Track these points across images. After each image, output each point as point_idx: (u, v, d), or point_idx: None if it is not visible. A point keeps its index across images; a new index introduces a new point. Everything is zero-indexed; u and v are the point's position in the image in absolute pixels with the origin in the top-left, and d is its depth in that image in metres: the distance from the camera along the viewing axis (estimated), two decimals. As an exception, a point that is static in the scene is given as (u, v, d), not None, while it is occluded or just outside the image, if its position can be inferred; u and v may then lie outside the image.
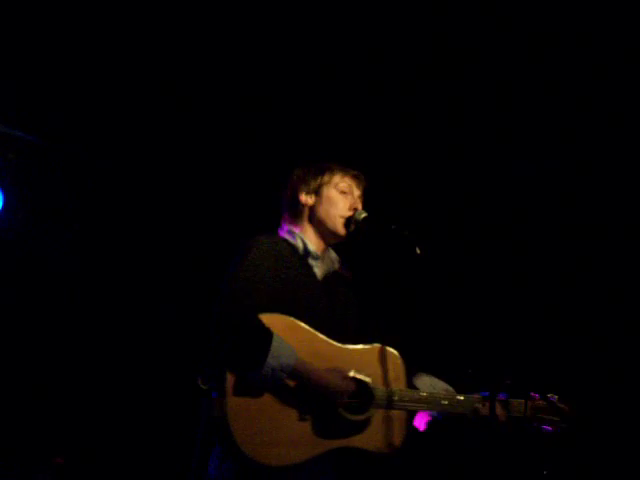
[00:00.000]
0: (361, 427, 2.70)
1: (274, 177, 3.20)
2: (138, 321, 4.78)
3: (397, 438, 2.76)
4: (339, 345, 2.77)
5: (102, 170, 4.71)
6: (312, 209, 2.97)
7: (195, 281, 4.64)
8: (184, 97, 4.57)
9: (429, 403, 2.84)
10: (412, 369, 2.91)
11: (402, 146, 4.75)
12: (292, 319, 2.70)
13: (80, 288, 4.78)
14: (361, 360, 2.78)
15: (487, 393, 2.86)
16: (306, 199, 2.98)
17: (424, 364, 2.97)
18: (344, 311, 2.96)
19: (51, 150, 4.53)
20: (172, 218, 4.80)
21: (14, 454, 4.40)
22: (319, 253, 2.95)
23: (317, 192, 2.97)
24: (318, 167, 3.02)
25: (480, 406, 2.87)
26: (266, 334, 2.57)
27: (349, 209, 2.95)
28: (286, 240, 2.93)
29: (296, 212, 2.99)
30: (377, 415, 2.74)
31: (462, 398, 2.89)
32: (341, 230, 2.94)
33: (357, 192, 3.00)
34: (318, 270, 2.95)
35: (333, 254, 3.05)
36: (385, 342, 2.87)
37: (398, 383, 2.82)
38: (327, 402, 2.64)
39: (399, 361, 2.87)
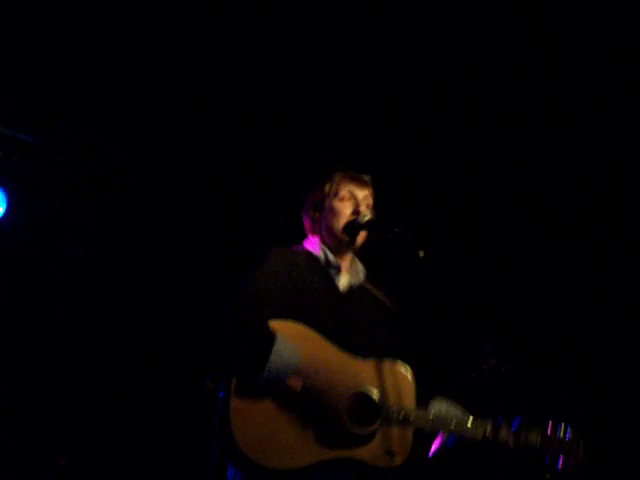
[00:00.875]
0: (364, 440, 2.67)
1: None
2: (141, 323, 4.79)
3: (399, 455, 2.72)
4: (350, 356, 2.74)
5: (107, 170, 4.72)
6: (320, 222, 2.98)
7: (196, 281, 4.64)
8: (199, 97, 4.58)
9: (435, 424, 2.78)
10: (432, 392, 2.85)
11: (402, 146, 4.76)
12: (303, 327, 2.70)
13: (82, 290, 4.79)
14: (371, 373, 2.74)
15: (502, 419, 2.82)
16: (313, 214, 3.00)
17: (440, 382, 2.92)
18: (364, 323, 2.91)
19: (54, 152, 4.54)
20: (184, 223, 4.83)
21: (19, 456, 4.40)
22: (341, 264, 2.94)
23: (321, 205, 2.97)
24: (321, 180, 3.02)
25: (491, 433, 2.81)
26: (270, 334, 2.58)
27: (350, 215, 2.92)
28: (308, 251, 2.94)
29: (312, 226, 3.02)
30: (382, 430, 2.70)
31: (470, 424, 2.82)
32: (344, 237, 2.92)
33: (361, 194, 2.96)
34: (342, 281, 2.94)
35: (359, 265, 3.03)
36: (403, 357, 2.84)
37: (407, 400, 2.77)
38: (331, 409, 2.62)
39: (410, 377, 2.83)
